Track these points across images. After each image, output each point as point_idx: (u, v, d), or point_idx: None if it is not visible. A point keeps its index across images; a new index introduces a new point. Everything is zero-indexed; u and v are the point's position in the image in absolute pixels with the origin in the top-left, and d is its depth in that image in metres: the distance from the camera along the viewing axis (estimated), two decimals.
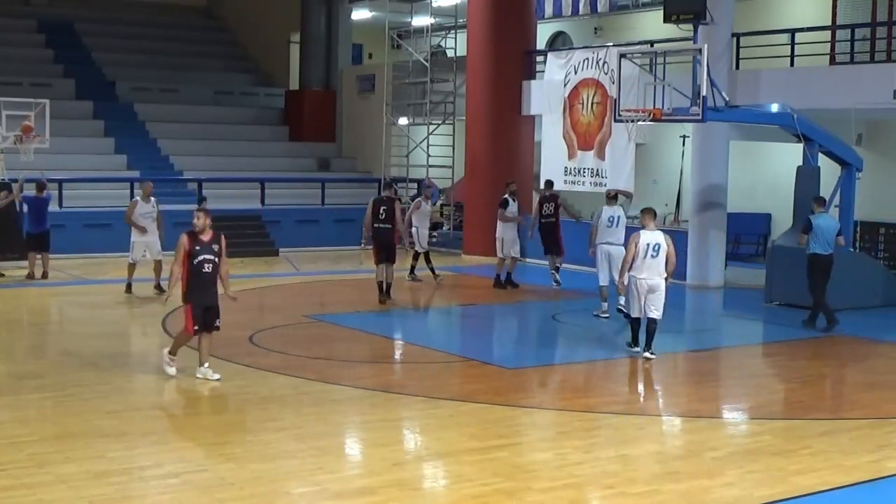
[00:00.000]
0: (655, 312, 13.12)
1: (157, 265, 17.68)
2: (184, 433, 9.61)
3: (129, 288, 17.70)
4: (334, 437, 9.97)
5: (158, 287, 17.41)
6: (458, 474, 8.71)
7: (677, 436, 10.40)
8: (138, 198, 18.11)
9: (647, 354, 13.19)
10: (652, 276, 13.02)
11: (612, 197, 16.59)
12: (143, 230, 17.57)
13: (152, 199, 17.87)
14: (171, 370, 11.71)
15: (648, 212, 13.34)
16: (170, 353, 11.79)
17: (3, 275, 19.86)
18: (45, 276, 19.46)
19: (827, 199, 18.24)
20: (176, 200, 25.46)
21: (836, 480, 8.65)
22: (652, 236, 13.05)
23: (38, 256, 19.65)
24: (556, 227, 18.93)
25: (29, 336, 15.50)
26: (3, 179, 21.64)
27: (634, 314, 13.35)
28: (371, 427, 10.18)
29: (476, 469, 8.70)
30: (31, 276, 19.40)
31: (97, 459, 8.70)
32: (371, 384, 11.37)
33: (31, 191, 20.02)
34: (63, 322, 16.28)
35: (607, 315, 15.95)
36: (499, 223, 19.29)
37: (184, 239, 11.53)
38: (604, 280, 16.10)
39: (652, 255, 12.98)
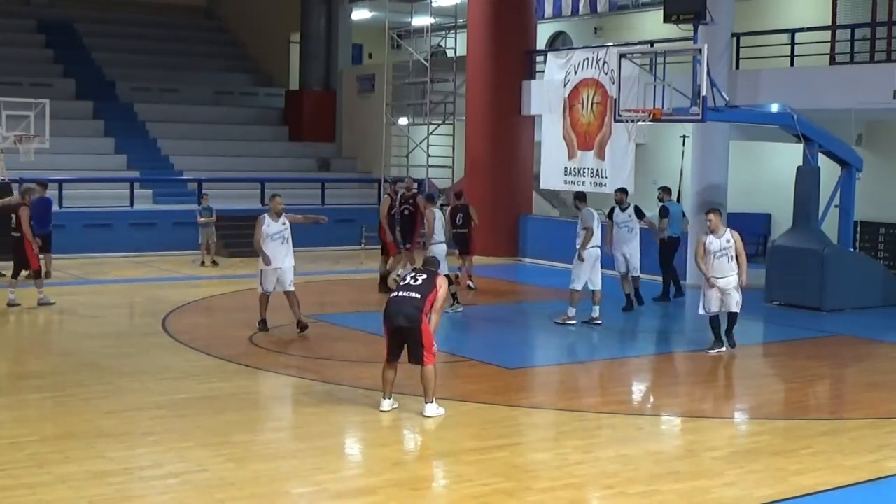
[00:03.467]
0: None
1: (291, 298, 14.49)
2: (184, 433, 9.61)
3: (263, 325, 14.57)
4: (334, 437, 9.98)
5: (300, 324, 14.50)
6: (458, 474, 8.72)
7: (677, 436, 10.41)
8: (266, 215, 14.64)
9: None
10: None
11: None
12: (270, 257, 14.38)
13: (284, 216, 14.64)
14: (442, 410, 10.36)
15: (714, 211, 13.98)
16: (434, 400, 10.36)
17: (3, 275, 19.86)
18: (47, 275, 19.44)
19: (828, 198, 18.33)
20: (176, 200, 25.56)
21: (836, 480, 8.65)
22: None
23: (41, 257, 19.63)
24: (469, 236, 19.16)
25: (29, 336, 15.51)
26: (3, 179, 21.64)
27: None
28: (371, 427, 10.18)
29: (476, 469, 8.70)
30: (31, 276, 19.37)
31: (97, 459, 8.70)
32: (371, 384, 11.36)
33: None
34: (63, 322, 16.28)
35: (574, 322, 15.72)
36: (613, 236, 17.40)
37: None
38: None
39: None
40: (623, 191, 17.83)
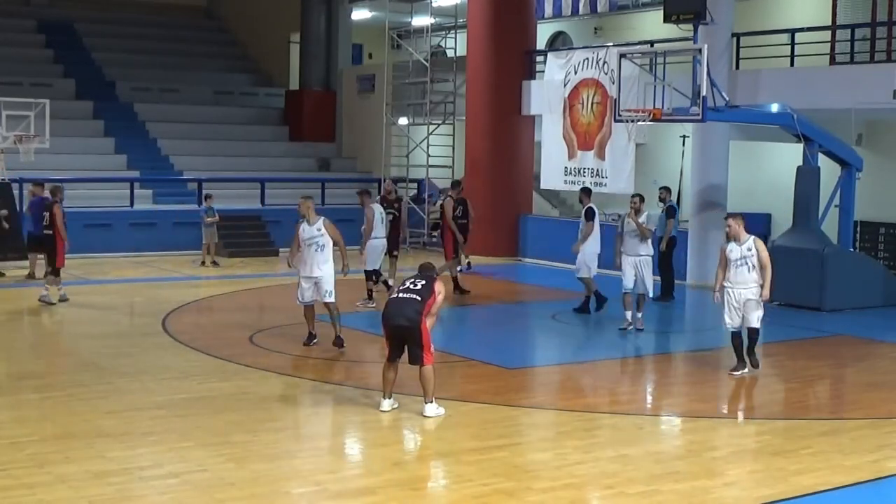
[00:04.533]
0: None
1: (329, 309, 13.51)
2: (184, 433, 9.60)
3: (311, 338, 13.66)
4: (334, 437, 9.99)
5: (339, 340, 13.45)
6: (458, 474, 8.72)
7: (677, 436, 10.41)
8: (302, 220, 13.52)
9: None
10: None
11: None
12: (304, 264, 13.44)
13: (321, 219, 13.39)
14: (442, 410, 10.38)
15: (734, 217, 12.79)
16: (434, 400, 10.36)
17: (3, 275, 19.87)
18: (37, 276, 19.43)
19: (828, 198, 18.33)
20: (176, 200, 25.56)
21: (836, 480, 8.65)
22: None
23: (40, 256, 19.62)
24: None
25: (29, 336, 15.51)
26: (3, 179, 21.64)
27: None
28: (371, 427, 10.18)
29: (476, 469, 8.70)
30: (31, 275, 19.39)
31: (97, 459, 8.70)
32: (371, 384, 11.37)
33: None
34: (63, 322, 16.27)
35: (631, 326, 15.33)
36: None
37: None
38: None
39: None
40: (585, 191, 17.14)
